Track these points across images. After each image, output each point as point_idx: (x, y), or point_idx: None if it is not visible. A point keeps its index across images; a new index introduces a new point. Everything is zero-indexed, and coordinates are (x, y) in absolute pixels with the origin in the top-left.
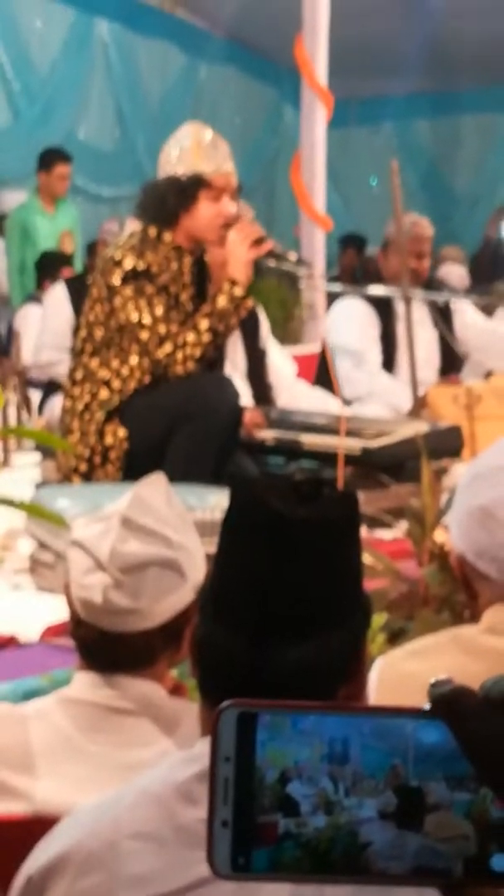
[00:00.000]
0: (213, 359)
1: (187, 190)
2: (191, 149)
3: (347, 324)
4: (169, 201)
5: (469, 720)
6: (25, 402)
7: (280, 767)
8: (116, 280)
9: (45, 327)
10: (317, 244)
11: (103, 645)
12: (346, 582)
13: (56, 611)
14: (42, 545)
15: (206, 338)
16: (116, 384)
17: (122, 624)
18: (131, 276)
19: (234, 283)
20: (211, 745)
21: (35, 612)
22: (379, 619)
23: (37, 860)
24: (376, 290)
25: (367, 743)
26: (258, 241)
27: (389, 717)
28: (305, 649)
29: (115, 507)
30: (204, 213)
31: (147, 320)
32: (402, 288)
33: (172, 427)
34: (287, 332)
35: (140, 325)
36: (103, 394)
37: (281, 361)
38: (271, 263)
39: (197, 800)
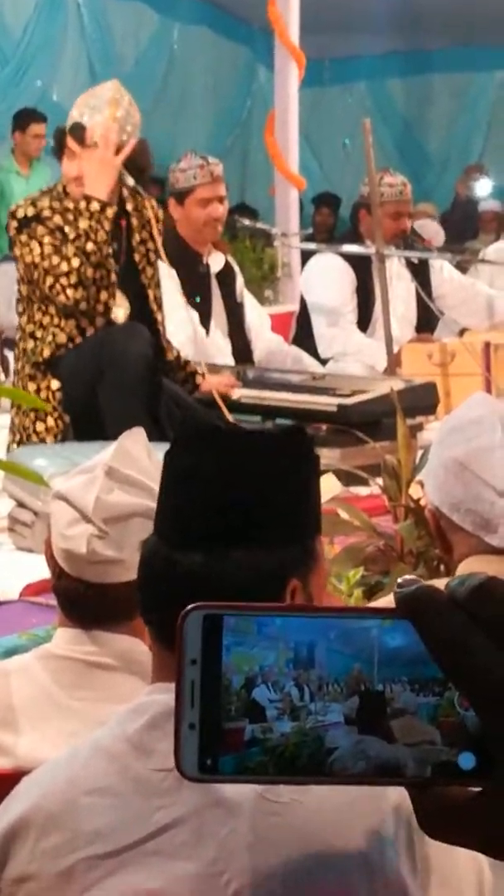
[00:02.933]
0: (141, 291)
1: (59, 144)
2: (79, 100)
3: (323, 281)
4: (55, 145)
5: (435, 619)
6: (1, 362)
7: (246, 673)
8: (13, 231)
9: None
10: (291, 203)
11: (86, 598)
12: (276, 507)
13: (35, 569)
14: (20, 504)
15: (75, 262)
16: (39, 333)
17: (106, 575)
18: (23, 224)
19: (89, 199)
20: (177, 647)
21: (14, 571)
22: (355, 574)
23: None
24: (350, 248)
25: (333, 647)
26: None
27: (357, 618)
28: (213, 558)
29: (99, 459)
30: (63, 169)
31: (37, 259)
32: (377, 246)
33: (94, 383)
34: (263, 292)
35: (33, 264)
36: (29, 345)
37: (256, 316)
38: (246, 222)
39: (149, 750)
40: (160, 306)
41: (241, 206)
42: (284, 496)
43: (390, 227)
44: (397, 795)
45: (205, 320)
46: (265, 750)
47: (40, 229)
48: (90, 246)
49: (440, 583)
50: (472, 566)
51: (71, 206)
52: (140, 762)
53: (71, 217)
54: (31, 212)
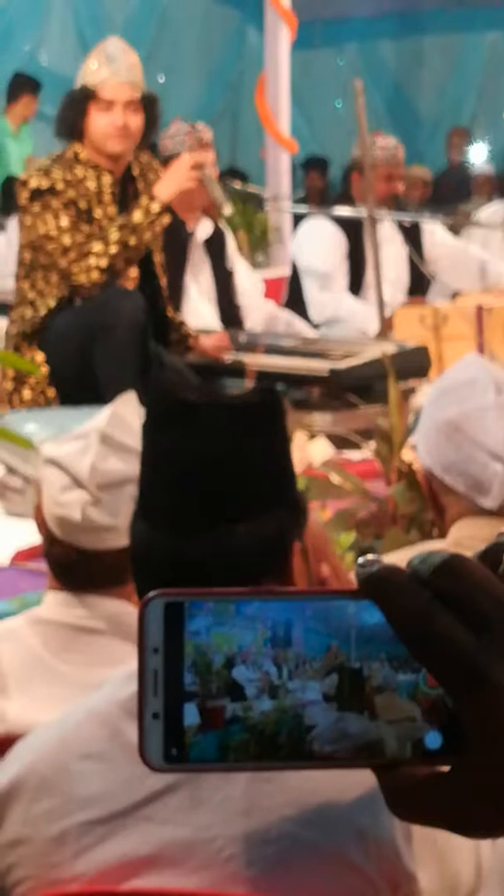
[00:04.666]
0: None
1: (77, 103)
2: (89, 61)
3: (314, 246)
4: (67, 115)
5: (397, 599)
6: None
7: (225, 652)
8: (24, 200)
9: (9, 254)
10: (282, 167)
11: (78, 563)
12: (264, 473)
13: (26, 535)
14: (10, 470)
15: (113, 249)
16: (39, 302)
17: (100, 541)
18: (37, 195)
19: (152, 198)
20: (138, 636)
21: (4, 537)
22: (348, 537)
23: None
24: (341, 210)
25: (310, 626)
26: (197, 166)
27: (324, 599)
28: (218, 537)
29: (93, 425)
30: (96, 125)
31: (53, 232)
32: (368, 209)
33: (86, 347)
34: (254, 256)
35: (47, 237)
36: (27, 313)
37: (248, 281)
38: (236, 186)
39: None
40: (165, 269)
41: (231, 170)
42: (269, 460)
43: (383, 190)
44: None
45: (178, 288)
46: (246, 728)
47: (55, 202)
48: (133, 240)
49: (401, 560)
50: (464, 528)
51: (80, 174)
52: (133, 727)
53: (83, 190)
54: (44, 184)
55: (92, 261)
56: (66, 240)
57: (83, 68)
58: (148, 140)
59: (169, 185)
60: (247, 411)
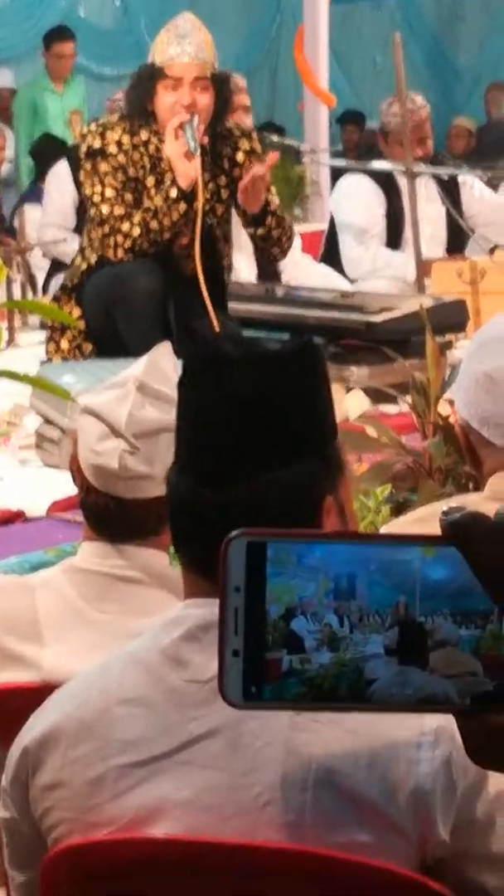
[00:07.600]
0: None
1: (144, 81)
2: (159, 38)
3: (351, 201)
4: (134, 93)
5: (481, 544)
6: (30, 280)
7: (284, 603)
8: (82, 154)
9: (49, 206)
10: (321, 120)
11: (115, 513)
12: (296, 423)
13: (62, 486)
14: (48, 421)
15: (136, 231)
16: (88, 253)
17: (136, 490)
18: (89, 154)
19: (173, 181)
20: (220, 574)
21: (41, 488)
22: (383, 490)
23: (31, 732)
24: (380, 164)
25: (374, 579)
26: (180, 127)
27: (402, 545)
28: (241, 485)
29: (129, 374)
30: (162, 103)
31: (96, 198)
32: (406, 164)
33: (110, 312)
34: (292, 210)
35: (91, 201)
36: (77, 261)
37: None
38: (274, 138)
39: (183, 661)
40: (226, 239)
41: (268, 124)
42: (301, 414)
43: (401, 151)
44: (441, 718)
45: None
46: (303, 681)
47: (103, 166)
48: (154, 224)
49: (434, 513)
50: (501, 480)
51: (144, 137)
52: (175, 673)
53: (137, 157)
54: (97, 143)
55: (119, 238)
56: (105, 209)
57: (154, 45)
58: (219, 119)
59: (178, 168)
60: (281, 361)
